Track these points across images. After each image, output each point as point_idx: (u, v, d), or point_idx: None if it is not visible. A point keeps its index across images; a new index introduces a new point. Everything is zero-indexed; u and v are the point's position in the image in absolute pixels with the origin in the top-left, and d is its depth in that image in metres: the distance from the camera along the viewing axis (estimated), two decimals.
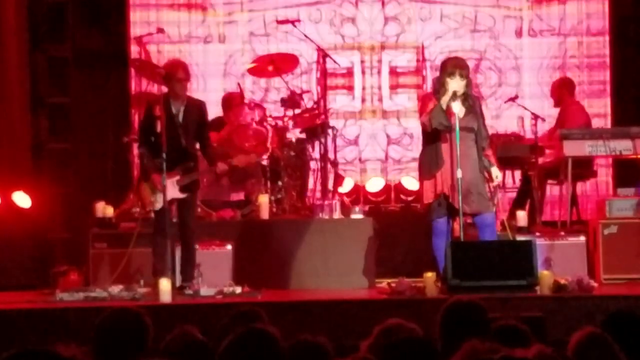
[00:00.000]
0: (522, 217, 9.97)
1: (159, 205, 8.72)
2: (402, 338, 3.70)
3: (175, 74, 8.79)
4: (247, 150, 10.32)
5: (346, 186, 11.26)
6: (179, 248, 8.91)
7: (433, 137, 8.51)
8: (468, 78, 8.50)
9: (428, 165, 8.57)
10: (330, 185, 10.42)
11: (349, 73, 12.00)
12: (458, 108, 8.36)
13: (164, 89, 8.94)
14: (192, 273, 8.78)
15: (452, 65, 8.52)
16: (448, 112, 8.36)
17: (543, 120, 10.75)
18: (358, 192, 11.41)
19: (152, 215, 8.88)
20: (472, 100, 8.61)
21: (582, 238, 9.67)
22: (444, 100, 8.38)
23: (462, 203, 8.23)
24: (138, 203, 9.27)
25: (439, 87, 8.49)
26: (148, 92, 10.79)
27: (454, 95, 8.34)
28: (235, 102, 10.76)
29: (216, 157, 9.05)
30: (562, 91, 10.89)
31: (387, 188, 11.44)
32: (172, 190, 8.68)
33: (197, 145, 8.93)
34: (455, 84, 8.38)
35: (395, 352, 3.70)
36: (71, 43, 11.52)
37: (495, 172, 8.62)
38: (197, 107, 8.92)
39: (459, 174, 8.23)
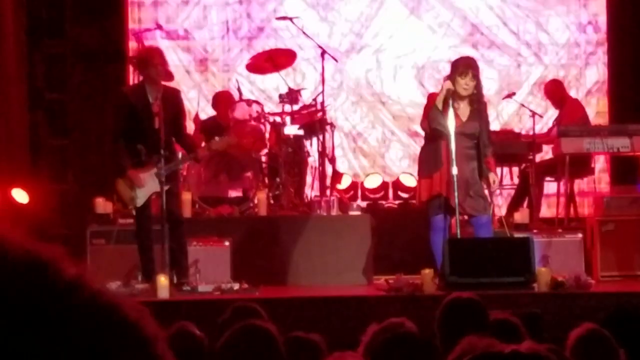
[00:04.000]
0: (522, 214, 9.98)
1: (140, 201, 8.55)
2: (397, 336, 3.70)
3: (152, 59, 8.60)
4: (243, 145, 10.31)
5: (344, 183, 11.27)
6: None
7: (433, 136, 8.52)
8: (478, 79, 8.46)
9: (427, 164, 8.58)
10: (328, 182, 10.43)
11: None
12: (463, 109, 8.37)
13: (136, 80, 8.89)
14: (186, 266, 8.72)
15: (465, 65, 8.44)
16: (445, 111, 8.35)
17: (541, 116, 10.77)
18: (356, 189, 11.42)
19: (133, 212, 8.73)
20: (478, 105, 8.55)
21: (580, 235, 9.69)
22: (439, 99, 8.38)
23: (459, 202, 8.22)
24: (117, 201, 9.18)
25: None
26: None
27: (448, 92, 8.33)
28: (228, 101, 10.77)
29: (194, 144, 8.93)
30: (562, 93, 10.95)
31: (385, 185, 11.44)
32: (152, 183, 8.49)
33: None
34: (464, 84, 8.34)
35: (391, 351, 3.70)
36: (69, 39, 11.52)
37: (492, 177, 8.59)
38: (172, 96, 8.75)
39: (454, 171, 8.22)
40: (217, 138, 9.01)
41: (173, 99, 8.72)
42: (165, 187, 8.53)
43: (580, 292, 8.18)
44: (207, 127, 10.54)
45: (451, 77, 8.42)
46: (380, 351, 3.78)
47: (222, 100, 10.87)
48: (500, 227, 9.41)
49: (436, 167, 8.43)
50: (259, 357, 3.74)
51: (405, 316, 4.80)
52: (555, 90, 11.01)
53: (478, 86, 8.43)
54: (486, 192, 8.70)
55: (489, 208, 8.78)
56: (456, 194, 8.19)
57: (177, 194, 8.84)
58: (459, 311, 4.49)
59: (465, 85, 8.32)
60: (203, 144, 9.24)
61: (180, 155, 8.87)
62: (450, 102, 8.34)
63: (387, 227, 10.16)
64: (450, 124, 8.26)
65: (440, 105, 8.38)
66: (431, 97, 8.74)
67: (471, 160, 8.46)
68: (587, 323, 4.14)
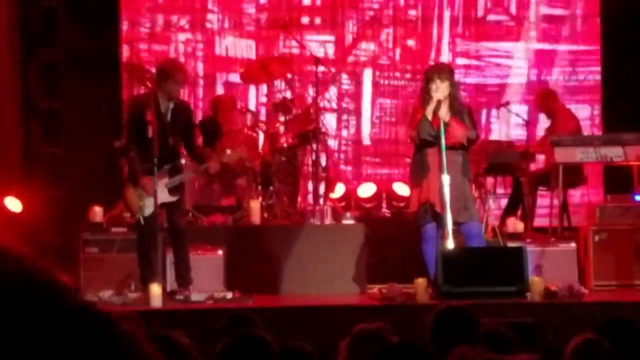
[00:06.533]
0: (516, 223, 9.98)
1: (148, 210, 8.53)
2: (391, 347, 3.69)
3: (176, 74, 8.52)
4: (252, 158, 10.29)
5: (337, 192, 11.26)
6: (168, 253, 8.88)
7: (421, 145, 8.53)
8: (450, 81, 8.49)
9: (416, 172, 8.60)
10: (321, 191, 10.42)
11: None
12: (444, 113, 8.39)
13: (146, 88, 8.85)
14: (189, 277, 8.69)
15: (430, 72, 8.59)
16: (434, 121, 8.36)
17: (534, 126, 10.78)
18: (349, 198, 11.41)
19: (141, 221, 8.62)
20: (460, 106, 8.61)
21: (573, 244, 9.68)
22: (429, 110, 8.41)
23: (449, 209, 8.22)
24: (125, 209, 9.12)
25: (425, 96, 8.51)
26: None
27: (439, 104, 8.35)
28: (225, 107, 10.76)
29: (205, 157, 8.92)
30: (549, 102, 10.95)
31: (378, 194, 11.44)
32: (162, 193, 8.49)
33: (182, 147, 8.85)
34: (436, 90, 8.39)
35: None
36: (63, 47, 11.50)
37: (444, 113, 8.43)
38: (184, 108, 8.80)
39: (445, 180, 8.23)
40: (228, 151, 9.07)
41: (185, 111, 8.78)
42: (174, 198, 8.53)
43: (574, 302, 8.18)
44: (206, 127, 10.54)
45: (424, 88, 8.51)
46: None
47: (223, 104, 10.83)
48: (493, 237, 9.41)
49: (424, 174, 8.44)
50: None
51: (398, 326, 4.80)
52: (543, 103, 11.00)
53: (451, 88, 8.46)
54: (478, 199, 8.71)
55: (477, 216, 8.78)
56: (447, 201, 8.19)
57: (181, 206, 8.87)
58: (450, 320, 4.48)
59: (435, 88, 8.37)
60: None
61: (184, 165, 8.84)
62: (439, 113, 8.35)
63: (380, 236, 10.14)
64: (441, 134, 8.26)
65: (430, 116, 8.40)
66: (415, 108, 8.75)
67: (459, 166, 8.47)
68: (585, 333, 4.13)
